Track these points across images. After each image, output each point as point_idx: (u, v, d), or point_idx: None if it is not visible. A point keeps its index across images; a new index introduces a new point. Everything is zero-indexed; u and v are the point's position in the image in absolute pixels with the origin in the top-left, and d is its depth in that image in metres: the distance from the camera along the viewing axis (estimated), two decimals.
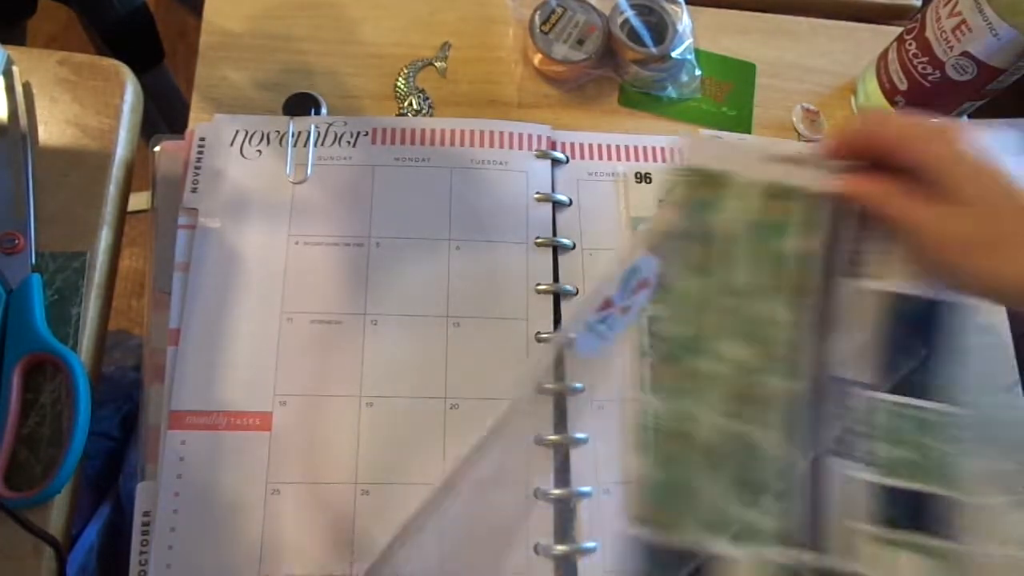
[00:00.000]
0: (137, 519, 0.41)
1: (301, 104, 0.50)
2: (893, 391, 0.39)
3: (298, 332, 0.44)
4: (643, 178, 0.51)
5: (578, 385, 0.45)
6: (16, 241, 0.44)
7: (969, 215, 0.35)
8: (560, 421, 0.44)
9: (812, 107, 0.56)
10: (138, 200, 0.50)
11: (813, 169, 0.40)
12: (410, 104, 0.52)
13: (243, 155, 0.47)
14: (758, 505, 0.38)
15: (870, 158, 0.38)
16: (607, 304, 0.42)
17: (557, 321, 0.46)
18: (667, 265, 0.40)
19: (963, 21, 0.46)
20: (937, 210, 0.36)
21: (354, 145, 0.48)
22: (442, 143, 0.49)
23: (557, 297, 0.47)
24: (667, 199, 0.41)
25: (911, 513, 0.39)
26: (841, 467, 0.39)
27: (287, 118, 0.49)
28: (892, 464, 0.39)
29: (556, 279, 0.47)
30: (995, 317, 0.53)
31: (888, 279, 0.39)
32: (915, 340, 0.40)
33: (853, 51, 0.58)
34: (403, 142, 0.49)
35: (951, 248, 0.35)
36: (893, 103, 0.53)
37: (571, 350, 0.43)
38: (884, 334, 0.39)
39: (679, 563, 0.37)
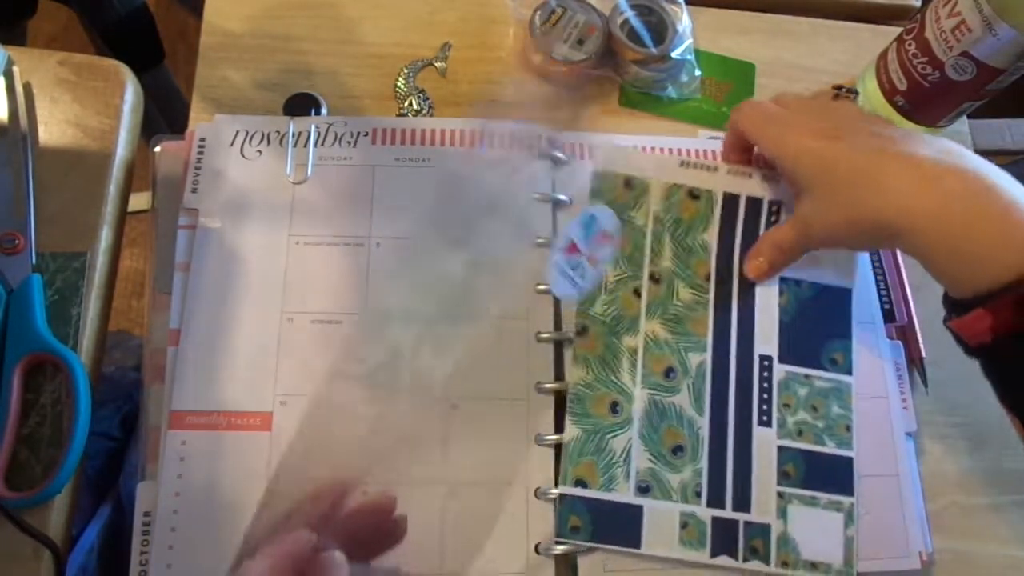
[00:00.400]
0: (137, 519, 0.41)
1: (301, 104, 0.50)
2: (798, 363, 0.46)
3: (298, 332, 0.44)
4: None
5: None
6: (16, 241, 0.44)
7: (813, 200, 0.42)
8: (560, 421, 0.44)
9: None
10: (138, 200, 0.50)
11: (723, 174, 0.48)
12: (410, 104, 0.52)
13: (243, 155, 0.47)
14: (667, 462, 0.43)
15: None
16: (574, 248, 0.46)
17: (557, 321, 0.46)
18: None
19: (962, 21, 0.46)
20: (800, 213, 0.43)
21: (354, 145, 0.48)
22: (442, 143, 0.49)
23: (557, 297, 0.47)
24: (592, 199, 0.47)
25: (809, 470, 0.44)
26: (761, 434, 0.44)
27: (287, 118, 0.49)
28: (798, 428, 0.45)
29: None
30: None
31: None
32: (814, 319, 0.47)
33: (853, 51, 0.58)
34: (403, 142, 0.49)
35: (829, 234, 0.42)
36: (893, 103, 0.53)
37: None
38: (793, 317, 0.47)
39: (612, 514, 0.42)
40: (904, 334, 0.50)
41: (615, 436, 0.43)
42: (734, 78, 0.57)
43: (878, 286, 0.50)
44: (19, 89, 0.47)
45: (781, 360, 0.46)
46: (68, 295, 0.44)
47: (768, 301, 0.46)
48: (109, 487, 0.58)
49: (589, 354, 0.44)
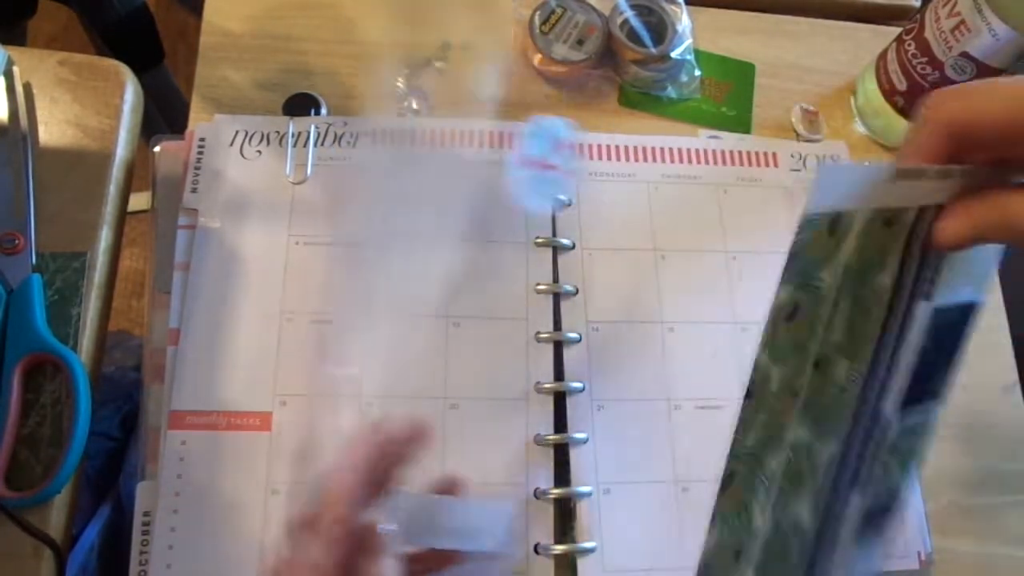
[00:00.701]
0: (137, 519, 0.41)
1: (301, 104, 0.50)
2: (909, 406, 0.34)
3: (298, 332, 0.44)
4: None
5: (578, 385, 0.45)
6: (16, 241, 0.44)
7: None
8: (560, 421, 0.44)
9: (811, 107, 0.56)
10: (138, 200, 0.50)
11: (934, 181, 0.30)
12: (410, 104, 0.52)
13: (243, 155, 0.47)
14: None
15: (959, 153, 0.30)
16: (543, 163, 0.42)
17: (557, 321, 0.46)
18: (764, 356, 0.32)
19: (962, 21, 0.46)
20: None
21: (354, 145, 0.48)
22: (442, 143, 0.49)
23: (557, 297, 0.47)
24: (788, 266, 0.31)
25: (869, 521, 0.35)
26: (852, 505, 0.34)
27: (287, 118, 0.49)
28: (877, 481, 0.35)
29: (556, 279, 0.47)
30: (995, 318, 0.53)
31: (939, 294, 0.33)
32: (940, 353, 0.34)
33: (852, 51, 0.58)
34: (403, 142, 0.49)
35: None
36: (893, 103, 0.53)
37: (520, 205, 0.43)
38: (921, 353, 0.33)
39: None
40: None
41: None
42: (734, 78, 0.57)
43: None
44: (19, 89, 0.47)
45: (894, 412, 0.34)
46: (68, 295, 0.44)
47: (913, 344, 0.33)
48: (109, 487, 0.58)
49: (731, 511, 0.34)
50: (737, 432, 0.33)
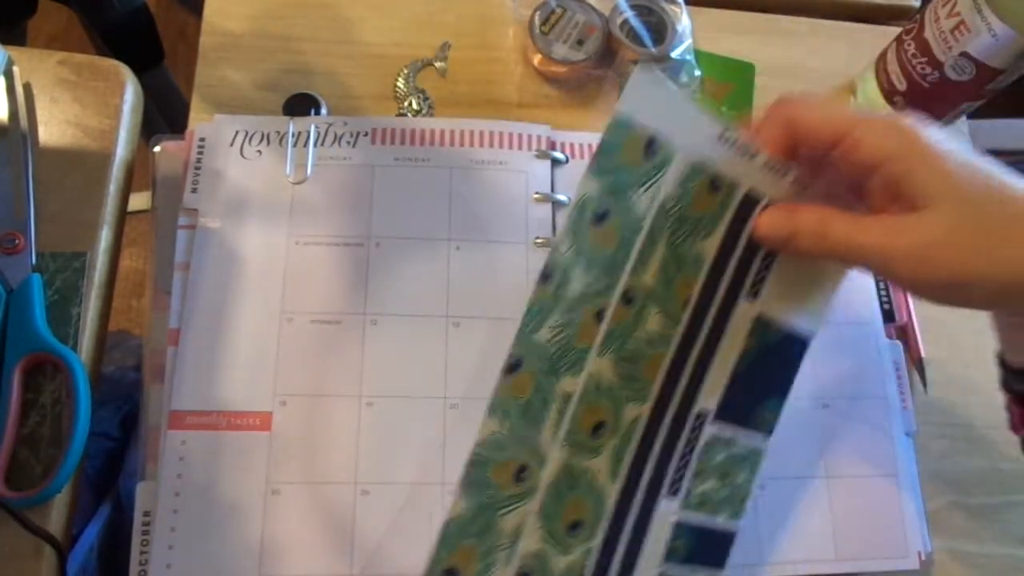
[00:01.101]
0: (137, 519, 0.41)
1: (301, 104, 0.50)
2: (727, 421, 0.37)
3: (298, 332, 0.44)
4: None
5: None
6: (16, 241, 0.44)
7: (942, 219, 0.31)
8: None
9: None
10: (138, 200, 0.50)
11: (759, 165, 0.34)
12: (410, 104, 0.52)
13: (243, 155, 0.47)
14: (559, 542, 0.34)
15: (791, 148, 0.34)
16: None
17: None
18: (566, 246, 0.33)
19: (961, 22, 0.46)
20: (899, 223, 0.31)
21: (354, 145, 0.48)
22: (442, 143, 0.49)
23: None
24: (596, 161, 0.33)
25: (696, 547, 0.37)
26: (664, 507, 0.36)
27: (287, 118, 0.49)
28: (700, 499, 0.36)
29: None
30: None
31: (766, 301, 0.36)
32: (765, 371, 0.37)
33: (852, 51, 0.58)
34: (403, 142, 0.49)
35: (930, 260, 0.31)
36: (892, 103, 0.53)
37: None
38: (743, 361, 0.36)
39: None
40: (904, 334, 0.50)
41: (510, 512, 0.34)
42: (733, 78, 0.57)
43: (878, 286, 0.50)
44: (19, 89, 0.47)
45: (716, 418, 0.36)
46: (68, 295, 0.44)
47: (734, 342, 0.36)
48: (109, 487, 0.58)
49: (513, 399, 0.34)
50: (529, 315, 0.33)
